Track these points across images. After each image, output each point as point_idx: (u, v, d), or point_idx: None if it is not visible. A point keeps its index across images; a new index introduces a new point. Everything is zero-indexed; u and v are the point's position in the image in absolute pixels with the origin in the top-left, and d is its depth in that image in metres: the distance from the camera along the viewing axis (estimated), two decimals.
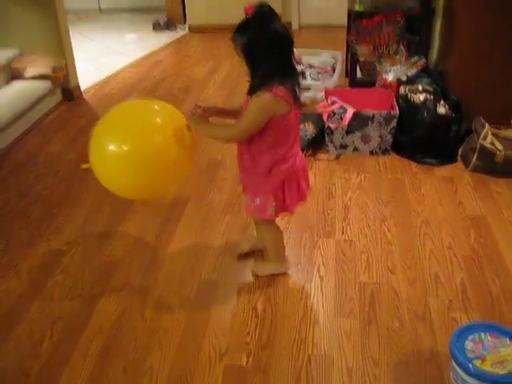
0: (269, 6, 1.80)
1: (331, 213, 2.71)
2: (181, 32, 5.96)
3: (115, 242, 2.55)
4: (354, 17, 3.61)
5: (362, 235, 2.56)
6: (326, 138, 3.18)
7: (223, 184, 3.00)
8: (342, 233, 2.57)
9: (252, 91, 1.86)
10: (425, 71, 3.46)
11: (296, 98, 1.90)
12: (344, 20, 4.58)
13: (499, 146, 2.91)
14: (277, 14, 1.81)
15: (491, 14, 3.00)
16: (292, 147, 2.00)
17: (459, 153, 3.19)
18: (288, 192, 2.06)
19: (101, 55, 5.08)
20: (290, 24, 5.94)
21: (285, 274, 2.31)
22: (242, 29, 1.80)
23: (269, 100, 1.83)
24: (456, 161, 3.15)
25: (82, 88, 4.30)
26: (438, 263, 2.37)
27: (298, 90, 1.90)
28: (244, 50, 1.80)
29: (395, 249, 2.46)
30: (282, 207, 2.10)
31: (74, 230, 2.64)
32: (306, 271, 2.34)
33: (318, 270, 2.34)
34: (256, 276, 2.31)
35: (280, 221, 2.51)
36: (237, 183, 2.94)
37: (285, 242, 2.37)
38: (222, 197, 2.88)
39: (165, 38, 5.75)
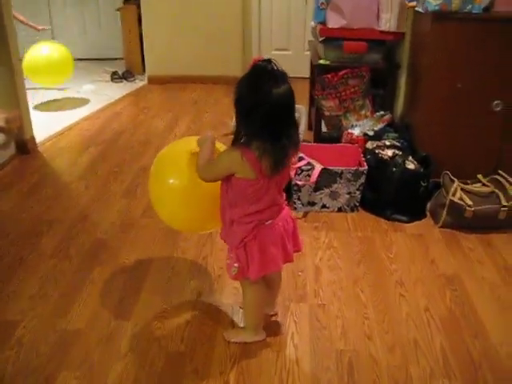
0: (274, 64, 1.73)
1: (302, 275, 2.60)
2: (139, 83, 5.86)
3: (73, 311, 2.35)
4: (318, 71, 3.58)
5: (336, 298, 2.45)
6: (294, 195, 3.10)
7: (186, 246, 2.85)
8: (315, 296, 2.46)
9: (232, 142, 1.82)
10: (391, 126, 3.44)
11: (274, 170, 1.78)
12: (303, 71, 4.61)
13: (468, 202, 2.87)
14: (283, 74, 1.73)
15: (457, 68, 3.01)
16: (261, 213, 1.90)
17: (427, 208, 3.15)
18: (250, 256, 1.94)
19: (57, 106, 4.92)
20: None
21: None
22: (239, 80, 1.75)
23: (233, 157, 1.78)
24: (425, 216, 3.11)
25: (37, 140, 4.11)
26: (415, 327, 2.28)
27: (280, 163, 1.79)
28: (234, 102, 1.75)
29: (370, 312, 2.36)
30: (246, 271, 1.98)
31: (27, 298, 2.43)
32: (279, 339, 2.20)
33: (292, 338, 2.21)
34: (228, 342, 2.16)
35: None
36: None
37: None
38: (187, 259, 2.73)
39: (123, 88, 5.65)
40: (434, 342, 2.20)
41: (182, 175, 2.05)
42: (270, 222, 1.92)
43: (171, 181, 2.10)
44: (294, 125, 1.81)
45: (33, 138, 4.03)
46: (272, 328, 2.25)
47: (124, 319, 2.30)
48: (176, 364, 2.07)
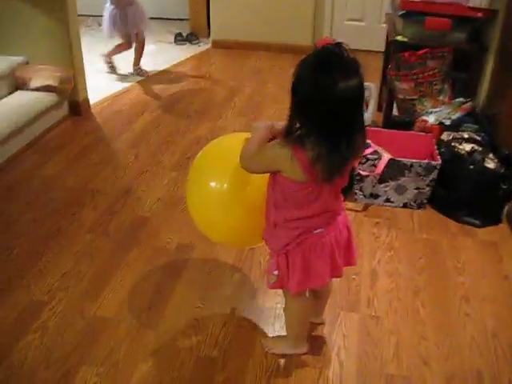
0: (344, 49, 1.41)
1: (356, 278, 2.34)
2: (203, 46, 5.61)
3: (104, 296, 2.19)
4: (394, 47, 3.22)
5: (392, 310, 2.18)
6: (355, 186, 2.81)
7: None
8: (368, 306, 2.20)
9: (283, 134, 1.53)
10: (471, 116, 3.07)
11: (328, 178, 1.50)
12: (377, 45, 4.24)
13: None
14: (354, 64, 1.42)
15: None
16: (309, 220, 1.63)
17: (504, 212, 2.80)
18: (291, 266, 1.69)
19: (116, 66, 4.74)
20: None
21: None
22: (300, 62, 1.44)
23: (281, 153, 1.50)
24: (500, 222, 2.77)
25: (92, 102, 3.96)
26: (480, 355, 1.99)
27: (337, 172, 1.51)
28: (292, 86, 1.45)
29: (430, 331, 2.09)
30: (286, 282, 1.73)
31: (59, 276, 2.28)
32: (323, 353, 1.97)
33: (338, 353, 1.97)
34: (266, 353, 1.95)
35: None
36: None
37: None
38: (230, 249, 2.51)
39: (186, 51, 5.42)
40: (500, 376, 1.91)
41: (226, 177, 1.75)
42: (319, 230, 1.65)
43: (213, 184, 1.77)
44: (360, 128, 1.50)
45: (86, 100, 3.88)
46: (317, 339, 2.03)
47: (156, 312, 2.12)
48: (206, 371, 1.88)
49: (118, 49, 4.63)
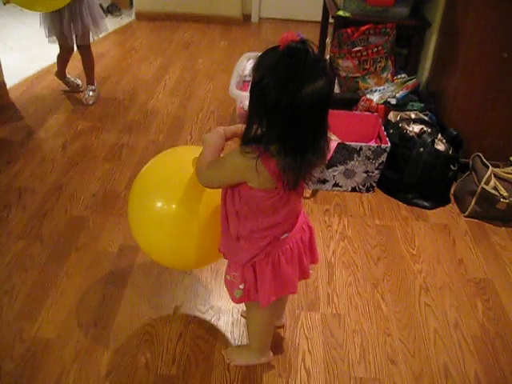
0: (311, 47, 1.24)
1: (313, 273, 2.23)
2: (126, 19, 5.26)
3: (44, 313, 1.98)
4: (336, 24, 3.09)
5: (353, 306, 2.11)
6: None
7: None
8: (329, 303, 2.11)
9: (242, 139, 1.34)
10: (415, 93, 3.01)
11: (296, 185, 1.35)
12: (313, 15, 4.10)
13: (504, 192, 2.51)
14: (321, 63, 1.25)
15: (508, 33, 2.54)
16: (278, 226, 1.49)
17: (451, 192, 2.78)
18: (260, 279, 1.55)
19: (33, 44, 4.35)
20: (248, 16, 5.38)
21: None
22: (261, 60, 1.25)
23: (246, 163, 1.32)
24: (449, 202, 2.74)
25: (9, 85, 3.60)
26: (445, 348, 1.96)
27: (304, 177, 1.37)
28: (251, 87, 1.28)
29: (393, 326, 2.03)
30: (254, 295, 1.60)
31: None
32: (288, 361, 1.87)
33: (303, 359, 1.88)
34: (228, 365, 1.82)
35: None
36: None
37: None
38: None
39: (107, 24, 5.04)
40: (466, 369, 1.90)
41: (175, 197, 1.57)
42: (285, 235, 1.52)
43: (159, 205, 1.60)
44: (326, 130, 1.36)
45: (3, 84, 3.52)
46: (279, 345, 1.92)
47: (105, 327, 1.94)
48: None
49: (61, 60, 3.53)
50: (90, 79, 3.60)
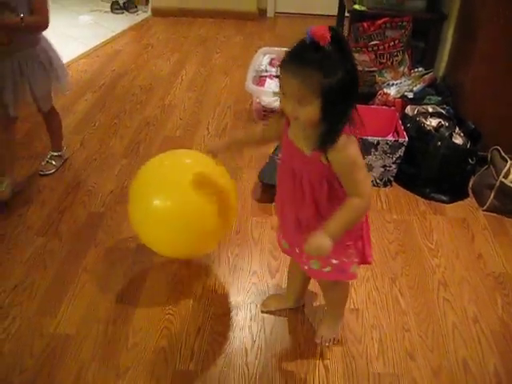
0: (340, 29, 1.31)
1: None
2: (142, 15, 5.28)
3: (64, 309, 2.00)
4: (352, 17, 3.07)
5: (370, 301, 2.10)
6: None
7: None
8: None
9: (328, 142, 1.34)
10: (432, 86, 2.98)
11: None
12: (329, 9, 4.08)
13: None
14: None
15: None
16: None
17: (470, 186, 2.75)
18: (366, 236, 1.64)
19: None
20: (264, 11, 5.37)
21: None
22: (320, 63, 1.23)
23: (356, 144, 1.39)
24: (467, 196, 2.72)
25: None
26: (464, 343, 1.95)
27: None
28: (326, 93, 1.25)
29: (411, 322, 2.02)
30: (362, 259, 1.67)
31: (10, 290, 2.07)
32: (306, 356, 1.87)
33: (322, 355, 1.88)
34: (247, 361, 1.83)
35: (268, 280, 2.06)
36: None
37: (279, 316, 1.98)
38: None
39: (124, 21, 5.08)
40: (486, 363, 1.88)
41: (172, 192, 1.88)
42: None
43: (157, 202, 1.86)
44: None
45: None
46: (298, 341, 1.92)
47: (124, 323, 1.95)
48: None
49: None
50: (54, 144, 2.83)
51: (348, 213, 1.41)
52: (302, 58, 1.25)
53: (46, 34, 2.43)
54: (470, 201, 2.70)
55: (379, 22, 2.93)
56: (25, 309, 1.99)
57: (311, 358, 1.86)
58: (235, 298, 2.07)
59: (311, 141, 1.38)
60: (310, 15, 5.33)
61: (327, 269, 1.63)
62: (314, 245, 1.38)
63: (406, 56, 3.02)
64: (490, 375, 1.83)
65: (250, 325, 1.97)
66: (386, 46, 2.92)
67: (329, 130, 1.32)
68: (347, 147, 1.35)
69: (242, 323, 1.97)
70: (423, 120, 2.65)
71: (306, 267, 1.68)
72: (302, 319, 1.99)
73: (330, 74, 1.23)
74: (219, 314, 2.01)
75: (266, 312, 2.02)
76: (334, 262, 1.61)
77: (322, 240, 1.37)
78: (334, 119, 1.31)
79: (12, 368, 1.77)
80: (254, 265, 2.24)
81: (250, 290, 2.12)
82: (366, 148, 2.60)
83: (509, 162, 2.53)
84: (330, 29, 1.22)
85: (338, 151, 1.34)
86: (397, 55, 2.95)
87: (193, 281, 2.15)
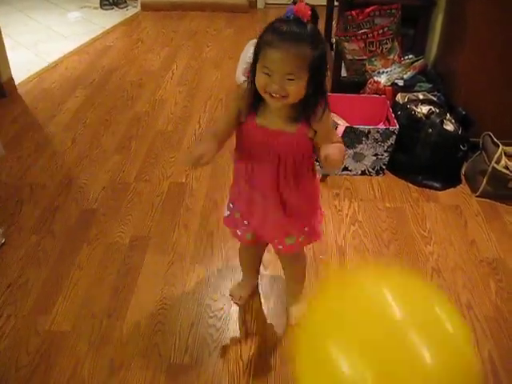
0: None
1: (324, 259, 2.23)
2: (132, 10, 5.25)
3: (58, 306, 2.00)
4: (340, 6, 3.06)
5: None
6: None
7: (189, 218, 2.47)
8: None
9: (315, 113, 1.42)
10: (422, 73, 2.98)
11: None
12: None
13: None
14: None
15: (510, 4, 2.50)
16: None
17: (462, 172, 2.75)
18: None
19: (41, 40, 4.37)
20: (254, 3, 5.34)
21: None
22: (310, 37, 1.31)
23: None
24: (460, 182, 2.72)
25: (17, 81, 3.63)
26: None
27: None
28: (313, 65, 1.32)
29: None
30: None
31: (4, 289, 2.07)
32: None
33: None
34: (241, 353, 1.84)
35: (262, 272, 2.07)
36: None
37: (271, 305, 2.00)
38: (189, 237, 2.35)
39: (114, 17, 5.05)
40: (480, 350, 1.88)
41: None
42: None
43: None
44: None
45: (11, 79, 3.54)
46: (290, 331, 1.92)
47: (118, 318, 1.95)
48: (180, 381, 1.75)
49: None
50: None
51: (339, 146, 1.45)
52: (293, 34, 1.29)
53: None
54: (463, 187, 2.70)
55: (368, 10, 2.92)
56: (19, 307, 1.99)
57: None
58: (228, 292, 2.07)
59: (291, 118, 1.42)
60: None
61: (301, 238, 1.68)
62: (337, 155, 1.37)
63: (396, 43, 3.01)
64: (484, 362, 1.83)
65: (243, 317, 1.97)
66: (375, 33, 2.91)
67: (315, 102, 1.39)
68: (327, 114, 1.43)
69: (235, 315, 1.98)
70: (414, 107, 2.65)
71: (281, 246, 1.72)
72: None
73: (316, 47, 1.31)
74: (212, 307, 2.01)
75: (239, 302, 2.02)
76: (306, 229, 1.67)
77: (337, 148, 1.40)
78: (318, 90, 1.38)
79: (8, 366, 1.77)
80: None
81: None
82: (357, 137, 2.60)
83: (500, 147, 2.53)
84: (310, 8, 1.29)
85: (322, 120, 1.42)
86: (386, 43, 2.95)
87: (186, 275, 2.15)
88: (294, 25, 1.29)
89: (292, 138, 1.45)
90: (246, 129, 1.49)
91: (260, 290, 2.08)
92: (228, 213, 1.76)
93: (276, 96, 1.34)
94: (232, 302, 2.02)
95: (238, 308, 2.01)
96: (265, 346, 1.86)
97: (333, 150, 1.37)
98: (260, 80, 1.34)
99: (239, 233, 1.78)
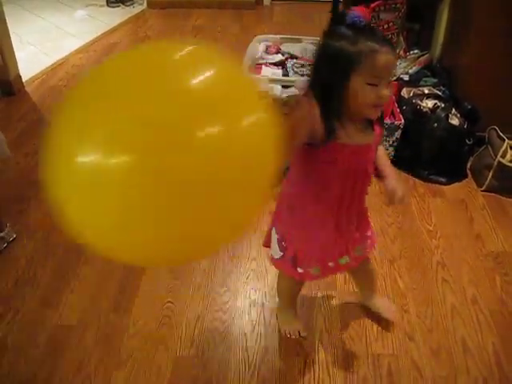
0: None
1: None
2: (138, 7, 5.26)
3: (65, 300, 2.02)
4: (347, 2, 3.06)
5: None
6: None
7: None
8: (345, 282, 2.12)
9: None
10: (428, 68, 2.97)
11: None
12: None
13: None
14: None
15: None
16: None
17: (468, 166, 2.75)
18: None
19: (49, 37, 4.39)
20: (260, 0, 5.34)
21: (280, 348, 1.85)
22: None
23: None
24: (466, 177, 2.72)
25: (25, 79, 3.65)
26: (463, 323, 1.95)
27: None
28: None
29: (411, 303, 2.03)
30: None
31: (12, 284, 2.10)
32: (305, 341, 1.87)
33: (321, 339, 1.89)
34: (246, 346, 1.85)
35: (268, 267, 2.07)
36: None
37: (276, 298, 1.98)
38: None
39: (120, 14, 5.07)
40: (485, 343, 1.89)
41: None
42: None
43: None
44: None
45: (19, 77, 3.57)
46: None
47: (124, 313, 1.97)
48: (186, 373, 1.76)
49: None
50: None
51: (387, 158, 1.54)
52: (382, 35, 1.28)
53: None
54: (469, 181, 2.70)
55: (373, 5, 2.91)
56: (27, 301, 2.01)
57: (310, 342, 1.87)
58: (234, 285, 2.09)
59: (364, 124, 1.36)
60: (306, 2, 5.30)
61: (368, 242, 1.69)
62: (402, 190, 1.45)
63: (401, 38, 3.01)
64: (488, 354, 1.84)
65: (249, 311, 1.98)
66: (381, 28, 2.90)
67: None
68: None
69: (241, 309, 1.99)
70: (419, 102, 2.65)
71: (356, 262, 1.65)
72: (301, 304, 2.00)
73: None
74: (218, 301, 2.02)
75: (303, 334, 1.86)
76: (369, 233, 1.69)
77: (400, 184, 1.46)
78: None
79: (16, 360, 1.79)
80: (253, 251, 2.25)
81: (249, 276, 2.13)
82: None
83: (506, 141, 2.53)
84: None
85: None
86: (391, 38, 2.94)
87: (192, 268, 2.16)
88: (372, 28, 1.29)
89: (371, 147, 1.42)
90: (328, 153, 1.33)
91: (266, 286, 2.09)
92: (281, 254, 1.57)
93: (382, 104, 1.26)
94: (291, 336, 1.87)
95: (243, 302, 2.02)
96: (271, 340, 1.87)
97: (402, 185, 1.45)
98: (368, 94, 1.22)
99: (301, 270, 1.57)
